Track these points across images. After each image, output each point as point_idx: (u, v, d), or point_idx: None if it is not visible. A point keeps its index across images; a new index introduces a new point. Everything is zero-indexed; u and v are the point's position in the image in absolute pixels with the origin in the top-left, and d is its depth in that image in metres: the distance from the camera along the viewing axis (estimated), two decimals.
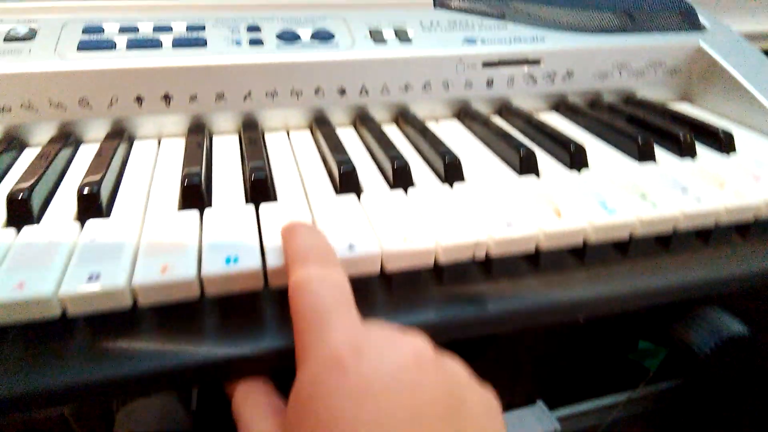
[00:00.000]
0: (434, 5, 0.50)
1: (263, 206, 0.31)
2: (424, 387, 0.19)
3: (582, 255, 0.33)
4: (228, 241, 0.28)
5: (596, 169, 0.38)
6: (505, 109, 0.47)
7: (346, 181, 0.34)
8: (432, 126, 0.45)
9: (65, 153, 0.37)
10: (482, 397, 0.22)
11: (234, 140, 0.41)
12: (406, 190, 0.34)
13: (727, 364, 0.33)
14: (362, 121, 0.43)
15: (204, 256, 0.27)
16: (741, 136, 0.45)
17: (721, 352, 0.32)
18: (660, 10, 0.53)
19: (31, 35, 0.39)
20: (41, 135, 0.38)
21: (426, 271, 0.30)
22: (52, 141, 0.38)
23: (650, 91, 0.52)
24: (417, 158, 0.39)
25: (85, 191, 0.30)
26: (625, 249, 0.34)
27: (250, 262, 0.26)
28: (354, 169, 0.34)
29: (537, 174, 0.37)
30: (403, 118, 0.45)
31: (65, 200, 0.32)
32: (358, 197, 0.33)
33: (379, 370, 0.19)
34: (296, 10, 0.47)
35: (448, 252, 0.29)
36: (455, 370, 0.21)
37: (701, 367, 0.33)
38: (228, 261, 0.26)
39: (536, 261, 0.32)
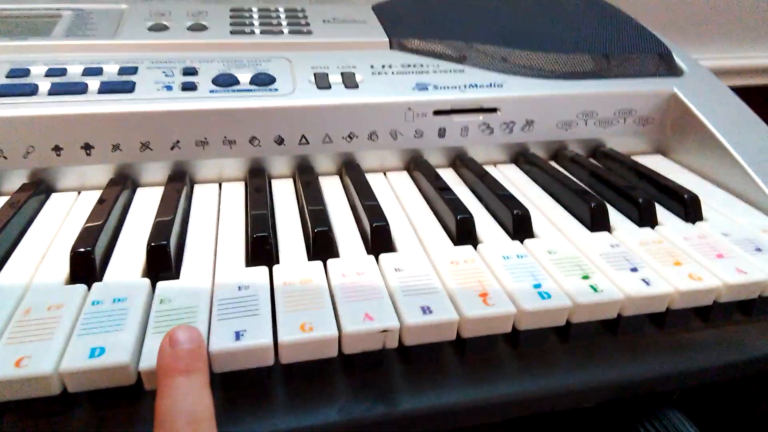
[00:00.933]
0: (390, 46, 0.48)
1: (160, 284, 0.28)
2: None
3: (516, 341, 0.30)
4: (104, 327, 0.25)
5: (542, 239, 0.35)
6: (459, 161, 0.45)
7: (258, 252, 0.31)
8: (377, 179, 0.42)
9: None
10: None
11: (157, 193, 0.39)
12: (325, 262, 0.31)
13: None
14: (300, 172, 0.41)
15: (69, 346, 0.24)
16: (713, 198, 0.42)
17: None
18: (632, 53, 0.49)
19: None
20: None
21: (333, 362, 0.27)
22: None
23: (620, 142, 0.49)
24: (350, 219, 0.37)
25: None
26: (566, 335, 0.31)
27: (118, 356, 0.24)
28: (266, 238, 0.31)
29: (475, 245, 0.34)
30: (347, 169, 0.42)
31: None
32: (271, 270, 0.30)
33: None
34: (240, 50, 0.45)
35: (353, 340, 0.26)
36: None
37: None
38: (92, 353, 0.24)
39: (461, 348, 0.29)
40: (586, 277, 0.31)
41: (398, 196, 0.40)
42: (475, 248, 0.33)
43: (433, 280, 0.30)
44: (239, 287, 0.29)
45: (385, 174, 0.44)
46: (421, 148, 0.44)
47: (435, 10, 0.54)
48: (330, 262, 0.31)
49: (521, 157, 0.46)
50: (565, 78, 0.46)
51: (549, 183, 0.42)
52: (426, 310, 0.27)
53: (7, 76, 0.38)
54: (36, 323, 0.25)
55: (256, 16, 0.50)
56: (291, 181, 0.42)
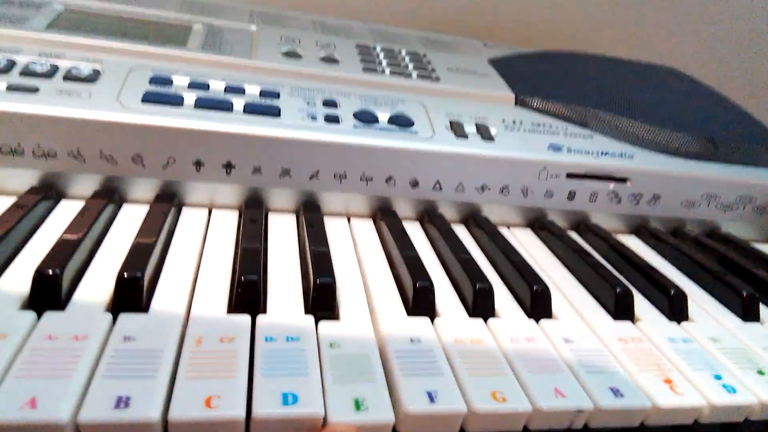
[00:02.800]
0: (515, 102, 0.47)
1: (324, 326, 0.26)
2: None
3: None
4: (287, 368, 0.23)
5: (699, 324, 0.33)
6: (584, 226, 0.43)
7: (421, 301, 0.29)
8: (506, 234, 0.41)
9: (107, 213, 0.33)
10: None
11: (290, 221, 0.37)
12: (486, 319, 0.29)
13: None
14: (431, 218, 0.39)
15: (258, 387, 0.22)
16: None
17: None
18: (748, 141, 0.49)
19: (94, 77, 0.36)
20: (81, 187, 0.34)
21: None
22: (94, 196, 0.34)
23: (735, 226, 0.48)
24: (492, 274, 0.35)
25: (127, 275, 0.25)
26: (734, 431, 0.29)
27: (313, 406, 0.21)
28: (431, 288, 0.30)
29: (632, 320, 0.32)
30: (476, 221, 0.40)
31: (99, 280, 0.27)
32: (432, 321, 0.28)
33: None
34: (373, 88, 0.44)
35: (543, 417, 0.24)
36: None
37: None
38: (285, 400, 0.21)
39: None
40: (761, 373, 0.29)
41: (532, 255, 0.39)
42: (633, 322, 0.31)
43: (608, 358, 0.28)
44: (411, 339, 0.27)
45: (508, 227, 0.42)
46: (546, 208, 0.43)
47: (552, 71, 0.54)
48: (493, 322, 0.29)
49: (644, 230, 0.45)
50: (691, 158, 0.46)
51: (679, 260, 0.40)
52: (616, 392, 0.25)
53: (150, 83, 0.37)
54: (212, 356, 0.23)
55: (382, 55, 0.49)
56: (418, 224, 0.40)
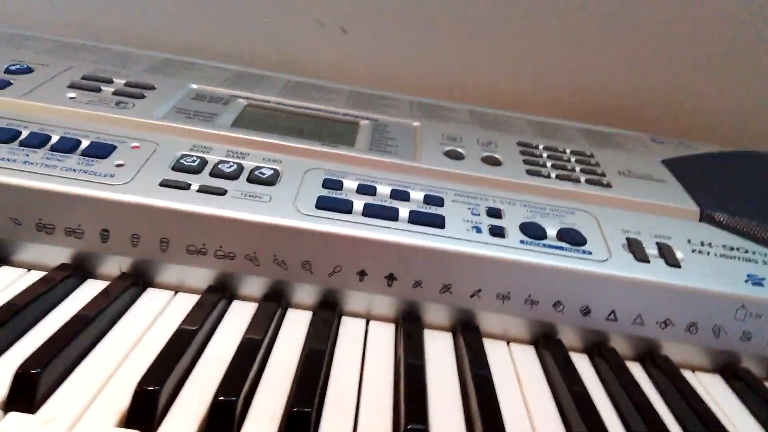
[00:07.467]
0: (700, 218, 0.42)
1: None
2: None
3: None
4: None
5: None
6: None
7: None
8: (690, 380, 0.35)
9: (276, 321, 0.33)
10: None
11: (446, 340, 0.35)
12: None
13: None
14: (601, 352, 0.35)
15: None
16: None
17: None
18: None
19: (274, 179, 0.38)
20: (251, 290, 0.36)
21: None
22: (264, 299, 0.35)
23: None
24: (673, 425, 0.30)
25: (296, 411, 0.25)
26: None
27: None
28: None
29: None
30: (653, 360, 0.36)
31: (273, 397, 0.27)
32: None
33: None
34: (538, 194, 0.42)
35: None
36: None
37: None
38: None
39: None
40: None
41: (721, 408, 0.33)
42: None
43: None
44: None
45: (693, 371, 0.37)
46: (741, 353, 0.36)
47: (740, 177, 0.48)
48: None
49: None
50: None
51: None
52: None
53: (323, 186, 0.38)
54: None
55: (545, 155, 0.47)
56: (586, 357, 0.36)
